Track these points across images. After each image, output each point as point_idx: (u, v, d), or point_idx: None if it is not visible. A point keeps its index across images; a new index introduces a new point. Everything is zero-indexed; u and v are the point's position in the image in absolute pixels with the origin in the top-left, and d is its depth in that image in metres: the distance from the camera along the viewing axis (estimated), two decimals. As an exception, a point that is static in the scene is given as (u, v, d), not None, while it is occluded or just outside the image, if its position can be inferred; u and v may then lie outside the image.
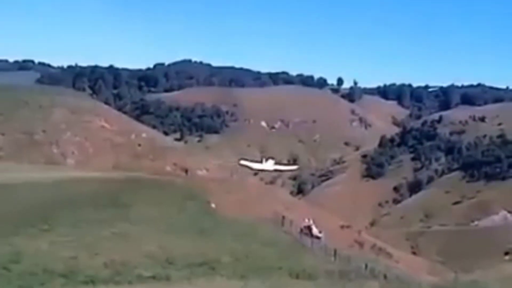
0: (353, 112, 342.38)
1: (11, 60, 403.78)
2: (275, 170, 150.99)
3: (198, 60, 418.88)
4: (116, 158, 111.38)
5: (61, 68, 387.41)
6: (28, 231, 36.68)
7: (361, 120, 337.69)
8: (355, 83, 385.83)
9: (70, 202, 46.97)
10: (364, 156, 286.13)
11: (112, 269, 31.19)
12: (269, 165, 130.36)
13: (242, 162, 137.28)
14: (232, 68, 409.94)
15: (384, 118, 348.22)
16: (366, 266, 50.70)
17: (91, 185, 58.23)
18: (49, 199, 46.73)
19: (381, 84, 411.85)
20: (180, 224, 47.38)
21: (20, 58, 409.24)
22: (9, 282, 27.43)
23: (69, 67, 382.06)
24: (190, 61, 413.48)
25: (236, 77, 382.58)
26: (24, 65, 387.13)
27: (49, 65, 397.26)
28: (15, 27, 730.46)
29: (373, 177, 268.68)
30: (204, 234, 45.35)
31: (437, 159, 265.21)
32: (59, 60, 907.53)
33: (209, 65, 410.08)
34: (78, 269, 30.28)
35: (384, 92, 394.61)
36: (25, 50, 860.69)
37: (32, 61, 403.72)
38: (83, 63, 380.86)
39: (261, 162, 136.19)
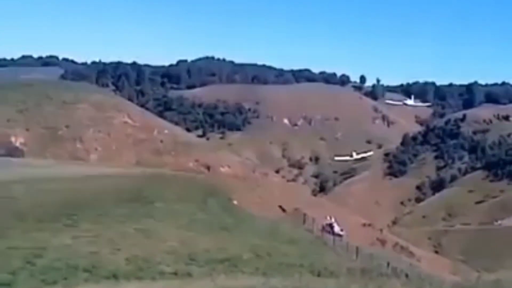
0: (375, 109, 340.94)
1: (35, 56, 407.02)
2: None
3: (220, 57, 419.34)
4: (139, 154, 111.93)
5: (85, 64, 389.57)
6: (51, 226, 36.92)
7: (383, 118, 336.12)
8: (378, 80, 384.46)
9: (93, 197, 47.22)
10: (387, 154, 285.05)
11: (134, 265, 31.31)
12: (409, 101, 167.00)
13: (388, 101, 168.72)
14: (254, 65, 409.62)
15: (407, 116, 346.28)
16: (388, 264, 50.58)
17: (114, 181, 58.50)
18: (73, 195, 47.01)
19: (404, 82, 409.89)
20: (202, 220, 47.47)
21: (44, 54, 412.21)
22: (33, 276, 27.62)
23: (93, 63, 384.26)
24: (212, 58, 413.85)
25: (258, 74, 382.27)
26: (48, 61, 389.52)
27: (73, 61, 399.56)
28: (40, 23, 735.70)
29: (395, 175, 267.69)
30: (225, 231, 45.42)
31: (460, 158, 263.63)
32: (83, 56, 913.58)
33: (231, 62, 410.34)
34: (100, 264, 30.42)
35: (407, 90, 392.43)
36: (50, 46, 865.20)
37: (56, 57, 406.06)
38: (107, 60, 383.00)
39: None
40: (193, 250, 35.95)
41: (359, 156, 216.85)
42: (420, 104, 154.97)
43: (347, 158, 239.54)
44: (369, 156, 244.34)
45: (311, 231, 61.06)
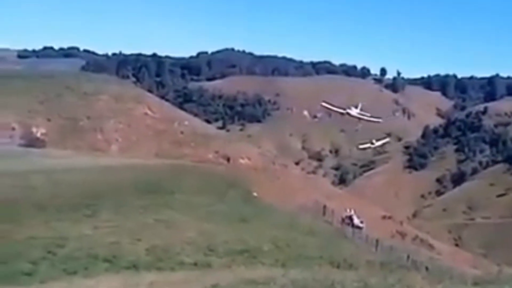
0: (396, 102, 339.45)
1: (56, 47, 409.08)
2: (359, 117, 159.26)
3: (240, 48, 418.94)
4: (159, 145, 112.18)
5: (106, 55, 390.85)
6: (71, 216, 37.16)
7: (404, 110, 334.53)
8: (399, 73, 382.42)
9: (113, 188, 47.44)
10: (407, 147, 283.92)
11: (154, 255, 31.45)
12: (353, 111, 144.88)
13: (323, 104, 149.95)
14: (274, 57, 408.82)
15: (428, 109, 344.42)
16: (408, 257, 50.46)
17: (134, 172, 58.76)
18: (93, 185, 47.26)
19: (425, 75, 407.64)
20: (222, 211, 47.57)
21: (65, 45, 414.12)
22: (53, 266, 27.83)
23: (114, 54, 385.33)
24: (233, 49, 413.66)
25: (278, 66, 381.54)
26: (69, 52, 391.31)
27: (94, 53, 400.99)
28: (61, 15, 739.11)
29: (415, 168, 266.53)
30: (245, 222, 45.49)
31: (481, 151, 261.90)
32: (104, 47, 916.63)
33: (251, 54, 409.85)
34: (121, 254, 30.59)
35: (428, 82, 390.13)
36: (71, 37, 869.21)
37: (77, 48, 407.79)
38: (127, 51, 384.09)
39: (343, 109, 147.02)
40: (212, 241, 36.05)
41: (380, 143, 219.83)
42: (366, 116, 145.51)
43: (369, 145, 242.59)
44: (388, 142, 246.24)
45: (331, 223, 61.00)
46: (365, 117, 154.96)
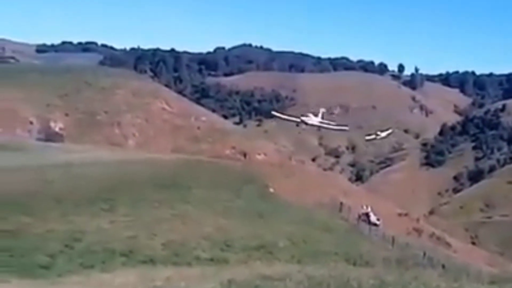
0: (413, 99, 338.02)
1: (75, 42, 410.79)
2: (319, 126, 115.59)
3: (258, 44, 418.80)
4: (176, 140, 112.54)
5: (124, 50, 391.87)
6: (89, 210, 37.33)
7: (421, 107, 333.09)
8: (417, 70, 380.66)
9: (130, 182, 47.61)
10: (424, 144, 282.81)
11: (170, 250, 31.58)
12: (313, 120, 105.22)
13: (274, 113, 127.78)
14: (292, 53, 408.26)
15: (446, 106, 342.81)
16: (424, 254, 50.28)
17: (151, 167, 58.95)
18: (110, 180, 47.44)
19: (444, 72, 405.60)
20: (238, 207, 47.64)
21: (83, 40, 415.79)
22: (71, 259, 27.99)
23: (132, 49, 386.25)
24: (250, 45, 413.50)
25: (296, 62, 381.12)
26: (87, 47, 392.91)
27: (112, 47, 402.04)
28: (79, 9, 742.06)
29: (432, 165, 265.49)
30: (261, 218, 45.53)
31: (499, 149, 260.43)
32: (122, 42, 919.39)
33: (269, 49, 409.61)
34: (137, 249, 30.73)
35: (446, 79, 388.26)
36: (89, 32, 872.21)
37: (96, 43, 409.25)
38: (145, 46, 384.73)
39: (298, 117, 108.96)
40: (229, 236, 36.14)
41: (385, 134, 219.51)
42: (331, 125, 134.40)
43: (374, 136, 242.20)
44: (392, 133, 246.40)
45: (347, 220, 60.87)
46: (328, 126, 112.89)
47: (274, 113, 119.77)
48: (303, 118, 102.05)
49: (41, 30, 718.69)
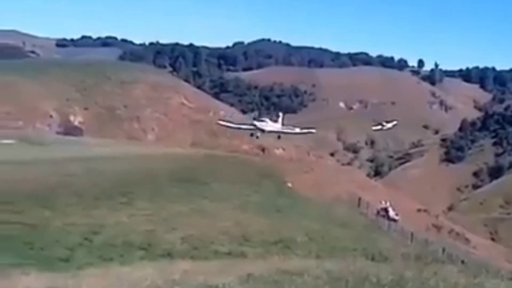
0: (433, 94, 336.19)
1: (94, 36, 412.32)
2: (281, 132, 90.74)
3: (277, 39, 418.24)
4: (194, 135, 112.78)
5: (143, 45, 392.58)
6: (108, 203, 37.54)
7: (441, 103, 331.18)
8: (436, 65, 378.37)
9: (149, 177, 47.79)
10: (444, 139, 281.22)
11: (189, 244, 31.67)
12: (269, 126, 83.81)
13: (219, 122, 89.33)
14: (311, 48, 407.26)
15: (466, 102, 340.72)
16: (443, 250, 50.07)
17: (170, 161, 59.13)
18: (129, 174, 47.65)
19: (464, 67, 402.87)
20: (256, 202, 47.67)
21: (103, 34, 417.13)
22: (90, 252, 28.17)
23: (151, 44, 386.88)
24: (269, 40, 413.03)
25: (314, 57, 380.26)
26: (107, 42, 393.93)
27: (131, 42, 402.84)
28: (99, 4, 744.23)
29: (452, 161, 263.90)
30: (279, 213, 45.54)
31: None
32: (141, 37, 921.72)
33: (288, 44, 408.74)
34: (156, 242, 30.86)
35: (466, 75, 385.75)
36: (108, 26, 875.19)
37: (115, 38, 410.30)
38: (164, 41, 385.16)
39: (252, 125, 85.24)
40: (247, 231, 36.17)
41: (390, 125, 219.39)
42: (289, 130, 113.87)
43: (380, 127, 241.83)
44: (397, 124, 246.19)
45: (366, 215, 60.75)
46: (292, 131, 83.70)
47: (219, 122, 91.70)
48: (257, 123, 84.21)
49: (61, 25, 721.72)
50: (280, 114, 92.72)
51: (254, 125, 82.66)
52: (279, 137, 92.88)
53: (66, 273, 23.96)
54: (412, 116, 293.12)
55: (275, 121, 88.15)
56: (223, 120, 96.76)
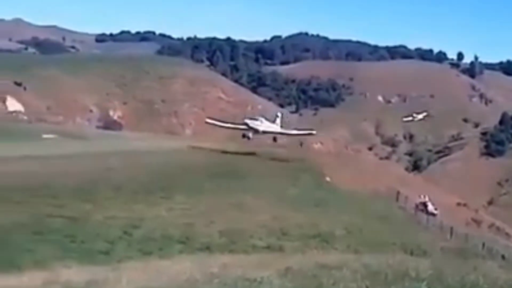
0: (473, 87, 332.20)
1: (133, 31, 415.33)
2: (277, 133, 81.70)
3: (314, 33, 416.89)
4: (232, 129, 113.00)
5: (181, 39, 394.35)
6: (147, 197, 37.89)
7: (481, 96, 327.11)
8: (476, 58, 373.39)
9: (187, 171, 48.09)
10: (484, 133, 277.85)
11: (227, 238, 31.81)
12: (269, 125, 76.51)
13: (208, 120, 75.68)
14: (348, 41, 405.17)
15: (506, 95, 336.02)
16: (483, 245, 49.55)
17: (208, 156, 59.41)
18: (168, 168, 47.99)
19: (504, 60, 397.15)
20: (295, 196, 47.67)
21: (141, 29, 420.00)
22: (130, 246, 28.47)
23: (188, 38, 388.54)
24: (306, 34, 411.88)
25: (352, 51, 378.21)
26: (145, 36, 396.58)
27: (169, 37, 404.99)
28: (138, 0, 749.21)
29: (492, 155, 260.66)
30: (318, 207, 45.46)
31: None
32: (179, 31, 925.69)
33: (325, 38, 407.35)
34: (194, 236, 31.06)
35: (507, 67, 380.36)
36: (147, 21, 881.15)
37: (153, 32, 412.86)
38: (202, 35, 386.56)
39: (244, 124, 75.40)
40: (285, 225, 36.21)
41: (421, 116, 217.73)
42: (288, 131, 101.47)
43: (411, 118, 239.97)
44: (427, 115, 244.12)
45: (404, 210, 60.39)
46: (290, 133, 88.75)
47: (207, 120, 73.59)
48: (249, 122, 74.36)
49: (101, 20, 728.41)
50: (279, 113, 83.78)
51: (247, 124, 74.20)
52: (274, 138, 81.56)
53: (107, 266, 24.29)
54: (451, 109, 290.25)
55: (273, 121, 79.95)
56: (211, 119, 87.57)
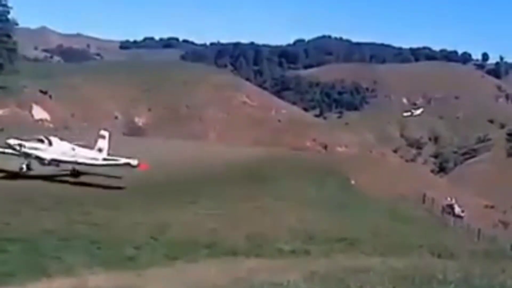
0: (499, 88, 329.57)
1: (156, 38, 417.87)
2: (73, 163, 44.42)
3: (337, 36, 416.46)
4: (257, 133, 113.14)
5: (204, 45, 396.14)
6: (173, 202, 38.00)
7: (507, 97, 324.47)
8: (501, 58, 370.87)
9: (212, 175, 48.17)
10: (510, 134, 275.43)
11: (253, 242, 31.82)
12: (55, 150, 42.85)
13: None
14: (372, 44, 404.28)
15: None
16: (511, 247, 49.11)
17: (233, 160, 59.37)
18: (193, 173, 48.09)
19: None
20: (320, 199, 47.57)
21: (165, 35, 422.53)
22: (155, 250, 28.58)
23: (212, 44, 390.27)
24: (329, 37, 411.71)
25: (376, 53, 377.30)
26: (168, 43, 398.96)
27: (192, 43, 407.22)
28: (160, 6, 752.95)
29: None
30: (343, 210, 45.35)
31: None
32: (202, 37, 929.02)
33: (348, 41, 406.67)
34: (220, 241, 31.10)
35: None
36: (170, 28, 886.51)
37: (177, 39, 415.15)
38: (225, 40, 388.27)
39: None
40: (311, 229, 36.16)
41: (419, 111, 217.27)
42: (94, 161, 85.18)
43: (410, 113, 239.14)
44: (424, 111, 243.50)
45: (431, 212, 60.09)
46: (97, 163, 46.12)
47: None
48: (25, 146, 42.34)
49: (124, 27, 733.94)
50: (104, 132, 51.19)
51: (18, 150, 42.37)
52: (74, 170, 44.51)
53: (133, 272, 24.43)
54: (477, 111, 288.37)
55: (95, 142, 49.93)
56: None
